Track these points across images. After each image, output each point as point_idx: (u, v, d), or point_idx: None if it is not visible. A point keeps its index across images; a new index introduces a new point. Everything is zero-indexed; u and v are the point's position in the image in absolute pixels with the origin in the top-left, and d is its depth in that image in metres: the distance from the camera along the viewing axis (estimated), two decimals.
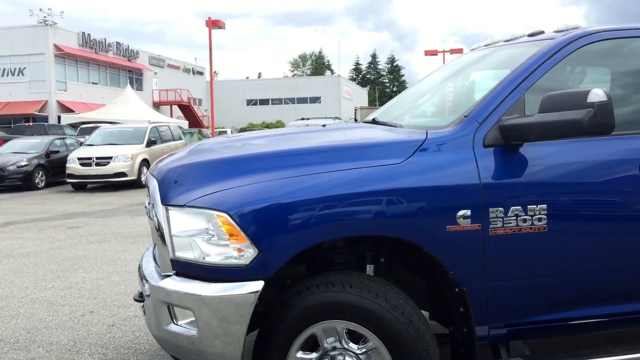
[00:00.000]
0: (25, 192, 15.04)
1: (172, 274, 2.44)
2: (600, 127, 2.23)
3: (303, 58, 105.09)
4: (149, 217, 2.79)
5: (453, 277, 2.41)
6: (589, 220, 2.50)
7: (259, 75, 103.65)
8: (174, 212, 2.40)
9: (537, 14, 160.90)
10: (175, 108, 49.47)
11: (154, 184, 2.58)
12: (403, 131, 2.76)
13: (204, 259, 2.33)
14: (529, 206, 2.41)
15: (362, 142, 2.62)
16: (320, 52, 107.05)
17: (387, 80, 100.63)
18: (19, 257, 6.74)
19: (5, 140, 19.34)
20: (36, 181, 15.64)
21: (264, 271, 2.28)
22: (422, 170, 2.39)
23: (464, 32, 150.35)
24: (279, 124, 50.06)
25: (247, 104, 64.10)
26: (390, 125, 3.00)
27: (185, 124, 37.40)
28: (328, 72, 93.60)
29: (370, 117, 3.42)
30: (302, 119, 20.44)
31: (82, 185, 15.27)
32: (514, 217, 2.40)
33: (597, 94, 2.22)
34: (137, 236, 7.91)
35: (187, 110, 49.45)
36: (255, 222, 2.27)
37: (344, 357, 2.40)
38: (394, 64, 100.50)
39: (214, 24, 30.36)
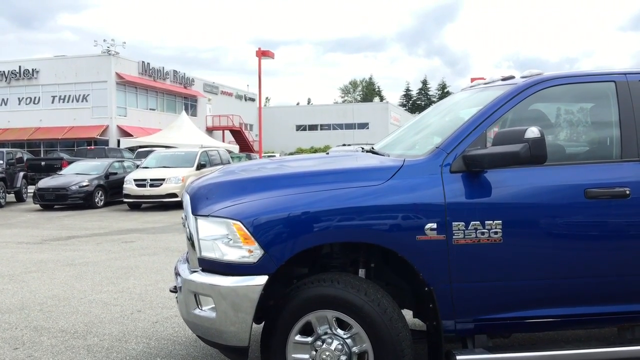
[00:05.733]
0: (86, 209, 16.25)
1: (198, 270, 3.09)
2: (534, 158, 2.78)
3: (353, 84, 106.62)
4: (184, 226, 3.47)
5: (422, 277, 2.97)
6: (538, 234, 3.01)
7: (309, 101, 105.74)
8: (201, 221, 3.07)
9: (594, 38, 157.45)
10: (228, 133, 51.26)
11: (187, 199, 3.26)
12: (387, 159, 3.35)
13: (223, 257, 2.98)
14: (486, 221, 2.95)
15: (350, 167, 3.23)
16: (370, 78, 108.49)
17: None
18: (79, 266, 7.61)
19: (69, 162, 20.85)
20: (96, 200, 16.85)
21: (268, 268, 2.90)
22: (397, 191, 2.98)
23: (517, 57, 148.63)
24: (327, 149, 50.98)
25: (297, 129, 65.49)
26: (380, 154, 3.61)
27: (236, 148, 38.86)
28: (377, 99, 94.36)
29: (371, 147, 4.04)
30: (344, 144, 21.16)
31: (138, 205, 16.35)
32: (474, 230, 2.94)
33: (533, 132, 2.77)
34: (183, 250, 8.64)
35: (238, 135, 51.15)
36: (262, 229, 2.90)
37: (333, 340, 2.98)
38: (445, 90, 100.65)
39: (264, 54, 31.60)
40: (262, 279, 2.90)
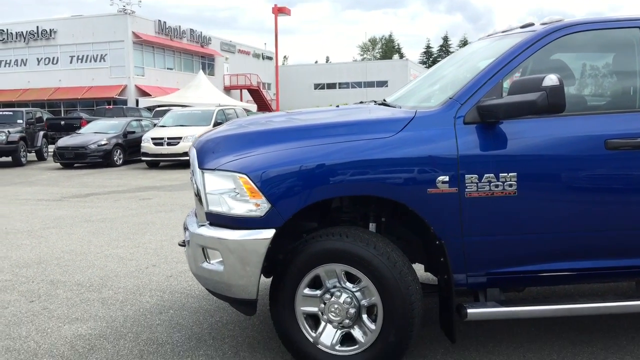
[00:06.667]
0: (105, 168, 16.42)
1: (206, 224, 3.06)
2: (552, 107, 2.65)
3: (372, 42, 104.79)
4: (192, 181, 3.43)
5: (433, 231, 2.90)
6: (555, 188, 2.91)
7: (327, 59, 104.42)
8: (208, 175, 3.02)
9: None
10: (245, 92, 51.05)
11: (193, 153, 3.21)
12: (399, 111, 3.25)
13: (230, 211, 2.94)
14: (500, 174, 2.86)
15: (360, 120, 3.14)
16: (390, 36, 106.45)
17: None
18: (97, 222, 7.69)
19: (88, 122, 20.97)
20: (114, 159, 16.98)
21: (275, 221, 2.86)
22: (408, 143, 2.89)
23: (542, 11, 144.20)
24: None
25: (315, 88, 64.97)
26: (392, 106, 3.50)
27: (254, 107, 38.73)
28: (396, 56, 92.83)
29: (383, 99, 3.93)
30: (361, 102, 20.87)
31: (155, 163, 16.45)
32: (487, 183, 2.85)
33: (551, 79, 2.64)
34: None
35: (256, 95, 50.90)
36: (268, 182, 2.85)
37: (341, 293, 2.95)
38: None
39: (280, 10, 31.20)
40: (269, 233, 2.86)
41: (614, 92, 3.32)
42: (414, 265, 3.09)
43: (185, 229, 3.35)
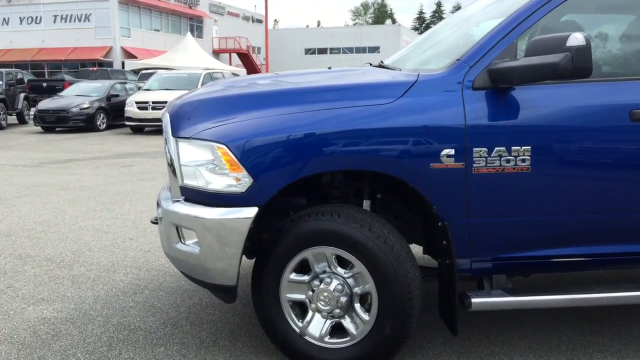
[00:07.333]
0: (88, 132, 15.92)
1: (181, 199, 2.72)
2: (577, 70, 2.29)
3: (365, 6, 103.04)
4: (165, 151, 3.07)
5: (436, 211, 2.58)
6: (574, 163, 2.58)
7: (319, 23, 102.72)
8: (182, 144, 2.66)
9: None
10: (235, 56, 50.01)
11: (166, 119, 2.83)
12: (398, 74, 2.88)
13: (207, 186, 2.59)
14: (513, 147, 2.52)
15: (354, 83, 2.76)
16: (382, 1, 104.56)
17: None
18: (74, 190, 7.31)
19: (71, 84, 20.29)
20: (97, 123, 16.47)
21: (257, 199, 2.52)
22: (409, 111, 2.53)
23: None
24: None
25: (306, 53, 63.83)
26: (391, 69, 3.12)
27: (243, 71, 37.84)
28: (389, 22, 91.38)
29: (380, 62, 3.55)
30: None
31: (140, 128, 15.97)
32: (498, 157, 2.51)
33: (577, 38, 2.27)
34: None
35: (245, 59, 49.90)
36: (250, 154, 2.49)
37: (332, 280, 2.63)
38: None
39: None
40: (250, 212, 2.52)
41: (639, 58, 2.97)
42: (410, 247, 2.78)
43: (158, 204, 3.00)
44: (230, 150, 2.50)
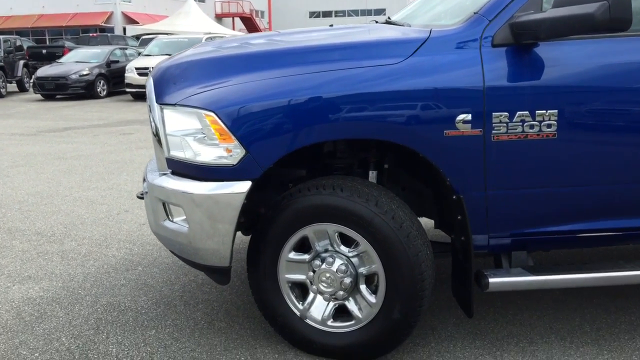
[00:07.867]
0: (88, 100, 15.60)
1: (167, 172, 2.46)
2: (614, 22, 1.98)
3: None
4: (150, 119, 2.80)
5: (450, 184, 2.31)
6: (606, 128, 2.29)
7: None
8: (167, 112, 2.39)
9: None
10: (238, 20, 49.08)
11: (150, 84, 2.56)
12: (408, 30, 2.58)
13: (195, 158, 2.33)
14: (537, 111, 2.23)
15: (360, 41, 2.46)
16: None
17: None
18: (71, 160, 7.07)
19: (70, 50, 19.88)
20: (98, 90, 16.13)
21: (251, 172, 2.26)
22: (420, 72, 2.24)
23: None
24: None
25: (310, 16, 62.61)
26: (399, 25, 2.82)
27: None
28: None
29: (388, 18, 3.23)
30: None
31: (141, 95, 15.60)
32: (520, 122, 2.23)
33: None
34: None
35: (249, 23, 48.97)
36: (242, 123, 2.22)
37: (334, 259, 2.40)
38: None
39: None
40: (243, 186, 2.26)
41: None
42: (420, 220, 2.53)
43: (145, 179, 2.75)
44: (220, 118, 2.24)
